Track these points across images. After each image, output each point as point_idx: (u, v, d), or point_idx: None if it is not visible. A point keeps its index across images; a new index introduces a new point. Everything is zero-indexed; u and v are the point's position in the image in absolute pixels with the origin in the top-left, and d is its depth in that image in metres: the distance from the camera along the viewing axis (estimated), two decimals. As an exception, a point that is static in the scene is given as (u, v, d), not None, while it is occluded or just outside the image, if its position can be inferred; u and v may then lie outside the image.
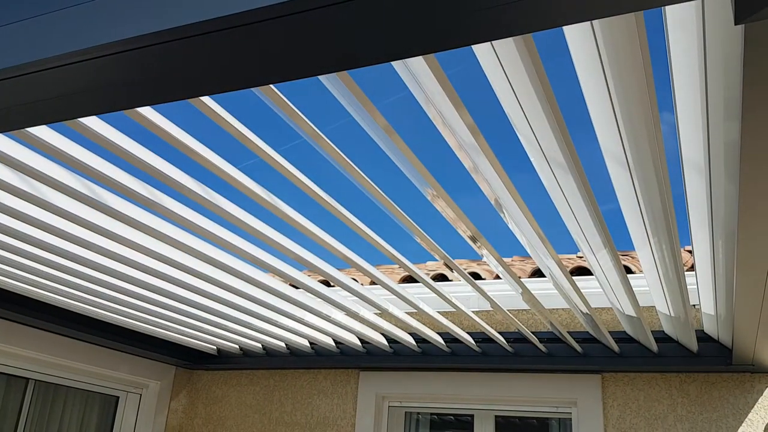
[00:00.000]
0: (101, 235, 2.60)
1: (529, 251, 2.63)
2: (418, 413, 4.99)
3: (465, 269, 4.50)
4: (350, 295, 3.37)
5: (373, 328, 4.10)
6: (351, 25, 1.02)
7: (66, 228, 2.60)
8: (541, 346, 4.06)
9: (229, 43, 1.08)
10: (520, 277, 3.95)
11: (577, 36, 1.45)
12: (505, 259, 2.82)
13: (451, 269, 2.88)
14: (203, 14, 1.04)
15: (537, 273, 4.50)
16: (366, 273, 2.98)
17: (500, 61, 1.51)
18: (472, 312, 3.66)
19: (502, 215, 2.35)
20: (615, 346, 3.91)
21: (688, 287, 2.83)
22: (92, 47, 1.13)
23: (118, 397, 5.27)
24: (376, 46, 1.09)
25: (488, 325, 3.91)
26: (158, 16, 1.08)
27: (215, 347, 5.15)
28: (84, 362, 4.72)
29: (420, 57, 1.48)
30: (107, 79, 1.21)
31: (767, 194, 1.71)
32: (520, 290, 3.14)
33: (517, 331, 4.15)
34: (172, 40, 1.08)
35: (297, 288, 3.44)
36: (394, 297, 3.35)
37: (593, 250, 2.55)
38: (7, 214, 2.44)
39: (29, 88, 1.25)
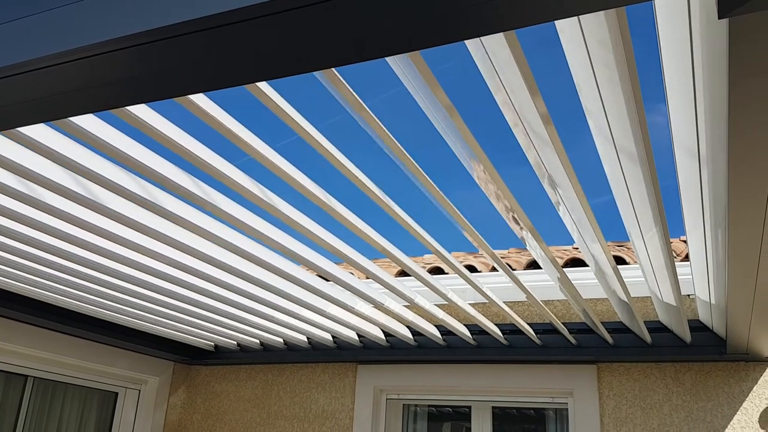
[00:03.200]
0: (97, 234, 2.60)
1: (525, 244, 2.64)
2: (416, 405, 5.02)
3: (461, 262, 4.52)
4: (346, 289, 3.38)
5: (369, 322, 4.11)
6: (349, 19, 1.03)
7: (62, 228, 2.60)
8: (535, 337, 4.08)
9: (217, 41, 1.08)
10: (514, 269, 3.97)
11: (567, 28, 1.45)
12: (500, 252, 2.83)
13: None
14: (191, 13, 1.04)
15: (532, 265, 4.52)
16: (361, 269, 2.99)
17: (490, 58, 1.52)
18: (468, 304, 3.67)
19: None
20: (608, 338, 3.93)
21: (679, 277, 2.84)
22: (82, 47, 1.13)
23: (117, 393, 5.29)
24: (377, 41, 1.08)
25: (484, 317, 3.93)
26: (147, 15, 1.08)
27: (213, 343, 5.16)
28: (83, 359, 4.74)
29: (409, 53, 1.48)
30: (97, 79, 1.21)
31: (756, 183, 1.72)
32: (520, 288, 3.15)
33: (511, 323, 4.17)
34: (162, 39, 1.09)
35: (293, 284, 3.44)
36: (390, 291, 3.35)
37: (586, 243, 2.57)
38: (5, 216, 2.45)
39: (20, 88, 1.25)
